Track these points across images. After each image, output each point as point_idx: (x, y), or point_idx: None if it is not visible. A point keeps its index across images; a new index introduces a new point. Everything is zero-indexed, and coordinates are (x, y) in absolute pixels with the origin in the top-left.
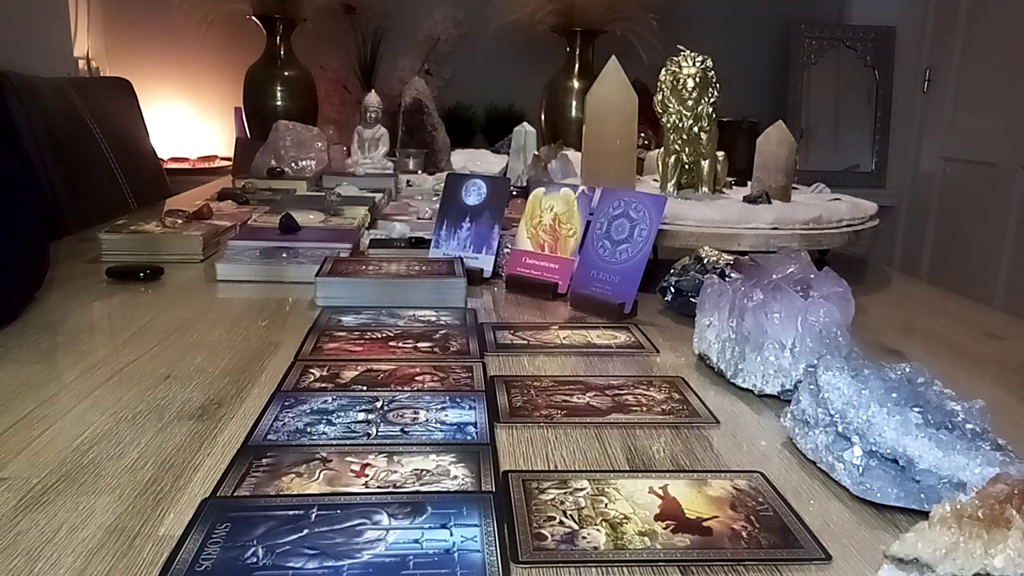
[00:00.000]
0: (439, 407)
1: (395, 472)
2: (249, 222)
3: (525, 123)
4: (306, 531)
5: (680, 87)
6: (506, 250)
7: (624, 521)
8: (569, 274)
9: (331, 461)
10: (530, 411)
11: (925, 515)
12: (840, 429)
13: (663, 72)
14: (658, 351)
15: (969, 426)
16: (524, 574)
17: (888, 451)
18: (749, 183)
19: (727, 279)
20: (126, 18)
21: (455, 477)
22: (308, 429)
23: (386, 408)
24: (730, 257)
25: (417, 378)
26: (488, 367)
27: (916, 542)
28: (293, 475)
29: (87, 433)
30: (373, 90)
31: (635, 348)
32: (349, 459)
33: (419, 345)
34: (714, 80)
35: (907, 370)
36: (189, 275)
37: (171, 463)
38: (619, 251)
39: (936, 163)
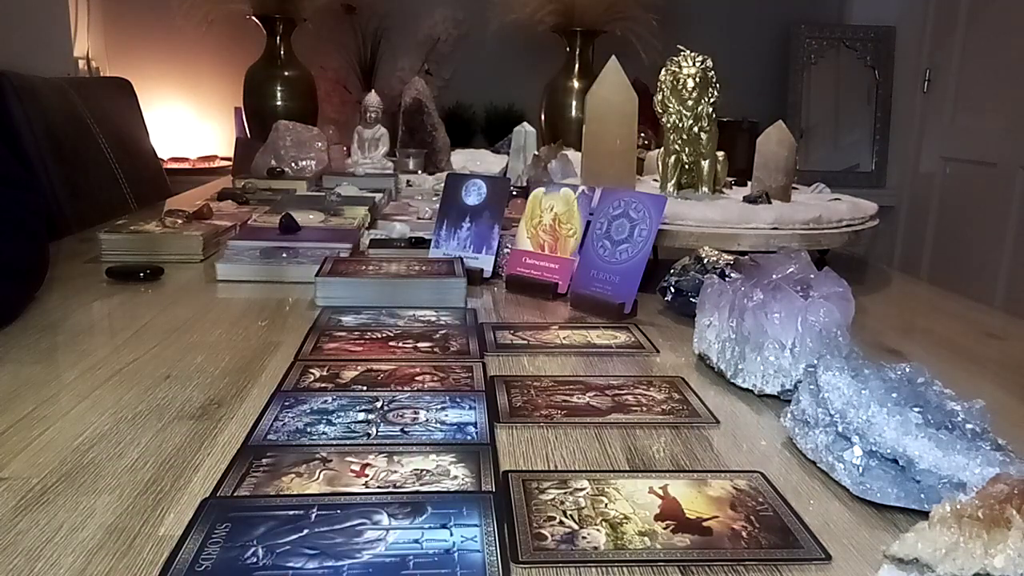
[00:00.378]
0: (439, 407)
1: (395, 472)
2: (249, 222)
3: (525, 123)
4: (306, 531)
5: (680, 87)
6: (506, 250)
7: (624, 521)
8: (569, 274)
9: (331, 461)
10: (530, 411)
11: (925, 515)
12: (840, 429)
13: (663, 72)
14: (658, 351)
15: (969, 426)
16: (524, 574)
17: (888, 451)
18: (749, 183)
19: (727, 279)
20: (126, 18)
21: (455, 477)
22: (308, 429)
23: (386, 408)
24: (730, 257)
25: (417, 378)
26: (488, 367)
27: (916, 542)
28: (293, 475)
29: (87, 433)
30: (373, 90)
31: (635, 348)
32: (349, 459)
33: (419, 345)
34: (714, 80)
35: (907, 370)
36: (189, 275)
37: (171, 463)
38: (619, 251)
39: (936, 163)
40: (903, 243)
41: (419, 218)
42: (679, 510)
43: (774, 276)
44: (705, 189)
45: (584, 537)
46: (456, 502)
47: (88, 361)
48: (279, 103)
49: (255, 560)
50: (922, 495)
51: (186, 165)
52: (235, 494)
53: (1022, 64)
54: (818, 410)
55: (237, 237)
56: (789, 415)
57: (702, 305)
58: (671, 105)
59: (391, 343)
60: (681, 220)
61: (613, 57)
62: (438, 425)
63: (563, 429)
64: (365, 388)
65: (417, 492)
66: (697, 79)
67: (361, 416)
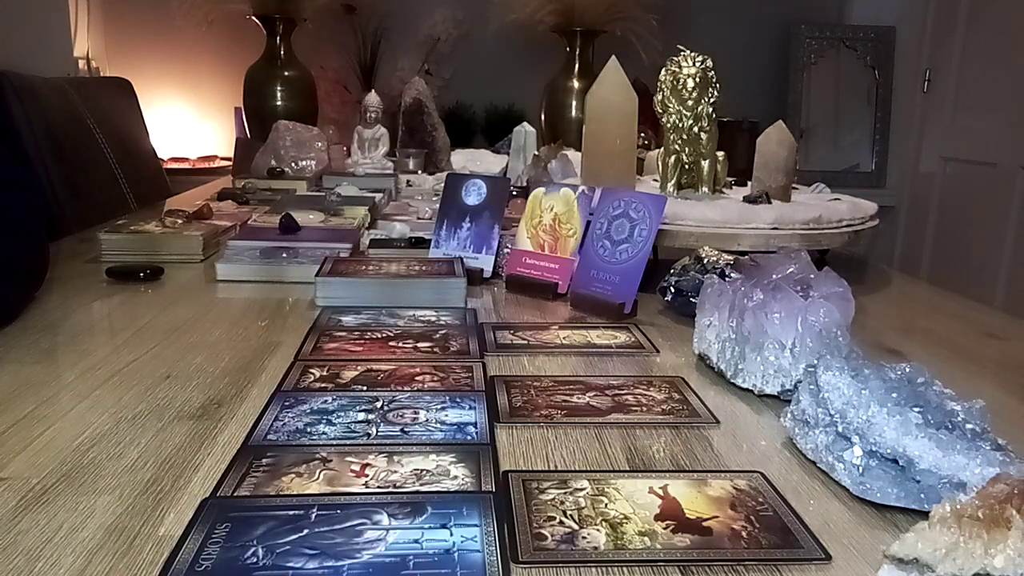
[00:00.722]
0: (439, 407)
1: (395, 472)
2: (249, 222)
3: (525, 123)
4: (306, 531)
5: (680, 87)
6: (506, 250)
7: (624, 521)
8: (569, 274)
9: (331, 461)
10: (530, 411)
11: (925, 515)
12: (840, 429)
13: (663, 72)
14: (658, 351)
15: (969, 426)
16: (524, 574)
17: (888, 451)
18: (749, 183)
19: (727, 279)
20: (126, 18)
21: (455, 477)
22: (308, 429)
23: (386, 408)
24: (730, 257)
25: (417, 378)
26: (488, 367)
27: (916, 542)
28: (293, 475)
29: (87, 433)
30: (373, 90)
31: (635, 348)
32: (349, 459)
33: (419, 345)
34: (714, 80)
35: (907, 370)
36: (189, 275)
37: (171, 463)
38: (619, 251)
39: (936, 163)
40: (903, 243)
41: (419, 218)
42: (679, 510)
43: (774, 276)
44: (705, 189)
45: (584, 537)
46: (456, 502)
47: (88, 361)
48: (279, 103)
49: (255, 560)
50: (922, 495)
51: (186, 165)
52: (235, 494)
53: (1022, 64)
54: (818, 410)
55: (237, 237)
56: (789, 415)
57: (702, 305)
58: (671, 105)
59: (391, 343)
60: (681, 220)
61: (613, 57)
62: (438, 425)
63: (563, 429)
64: (365, 388)
65: (417, 492)
66: (697, 79)
67: (361, 416)
